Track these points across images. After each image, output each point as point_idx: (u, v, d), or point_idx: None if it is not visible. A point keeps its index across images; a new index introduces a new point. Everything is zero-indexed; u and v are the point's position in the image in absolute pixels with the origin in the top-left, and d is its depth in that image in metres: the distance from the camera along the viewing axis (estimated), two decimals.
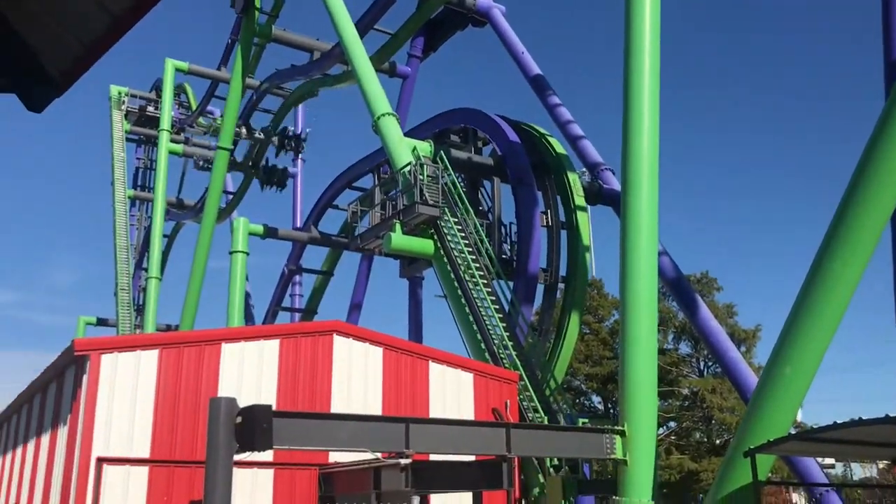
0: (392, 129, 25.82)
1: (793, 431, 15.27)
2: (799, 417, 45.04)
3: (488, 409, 19.04)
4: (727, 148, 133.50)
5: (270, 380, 16.36)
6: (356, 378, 17.42)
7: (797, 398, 13.84)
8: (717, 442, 47.47)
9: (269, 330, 18.80)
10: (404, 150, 25.19)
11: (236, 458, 11.35)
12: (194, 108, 59.43)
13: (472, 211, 24.97)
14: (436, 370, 18.64)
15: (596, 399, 52.35)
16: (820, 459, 27.86)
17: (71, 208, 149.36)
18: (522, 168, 28.52)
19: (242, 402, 11.65)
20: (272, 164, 50.62)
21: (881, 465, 49.55)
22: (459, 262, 22.72)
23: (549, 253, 29.27)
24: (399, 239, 23.55)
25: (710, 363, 50.00)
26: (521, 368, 20.75)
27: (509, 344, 21.38)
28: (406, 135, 28.18)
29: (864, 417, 11.97)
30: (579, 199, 29.51)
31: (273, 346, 16.62)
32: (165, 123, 51.45)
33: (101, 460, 14.17)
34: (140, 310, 51.55)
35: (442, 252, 23.24)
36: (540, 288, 28.31)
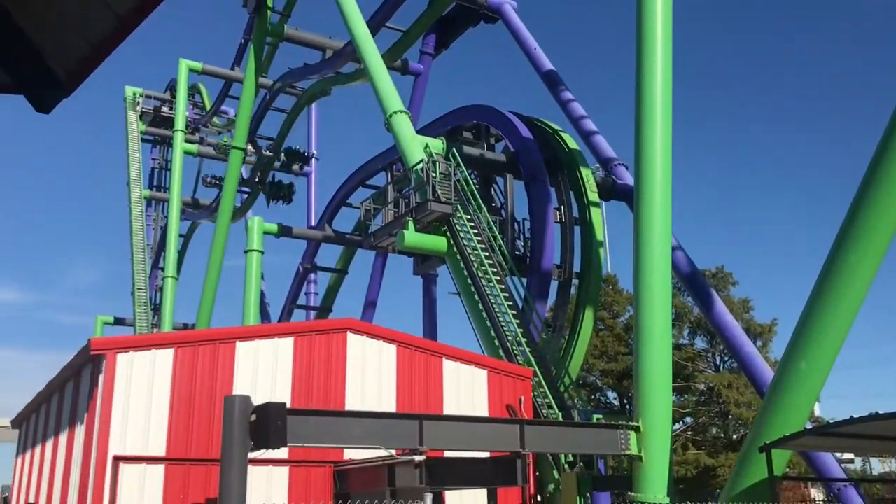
0: (404, 126, 25.84)
1: (809, 426, 15.16)
2: (817, 412, 44.75)
3: (502, 405, 19.03)
4: (743, 142, 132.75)
5: (285, 378, 16.42)
6: (370, 375, 17.46)
7: (812, 393, 13.76)
8: (734, 437, 47.17)
9: (283, 328, 18.88)
10: (416, 147, 25.20)
11: (251, 455, 11.40)
12: (208, 108, 59.73)
13: (484, 207, 24.94)
14: (449, 367, 18.66)
15: (612, 395, 52.16)
16: (838, 454, 27.69)
17: (90, 209, 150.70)
18: (535, 164, 28.46)
19: (257, 400, 11.70)
20: (278, 180, 51.26)
21: None
22: (472, 259, 22.71)
23: (563, 249, 29.22)
24: (412, 236, 23.57)
25: (726, 358, 49.72)
26: (534, 365, 20.73)
27: (523, 340, 21.36)
28: (419, 132, 28.18)
29: (880, 412, 11.89)
30: (593, 195, 29.41)
31: (287, 344, 16.68)
32: (180, 124, 51.75)
33: (117, 459, 14.27)
34: (157, 309, 51.89)
35: (455, 249, 23.23)
36: (554, 284, 28.27)
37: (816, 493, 42.78)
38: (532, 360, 20.89)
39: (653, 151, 17.03)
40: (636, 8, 17.85)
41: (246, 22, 44.31)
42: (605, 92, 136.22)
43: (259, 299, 36.70)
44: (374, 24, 35.40)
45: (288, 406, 11.95)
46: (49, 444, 19.92)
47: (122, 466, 14.29)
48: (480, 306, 22.22)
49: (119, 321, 59.02)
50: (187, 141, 53.32)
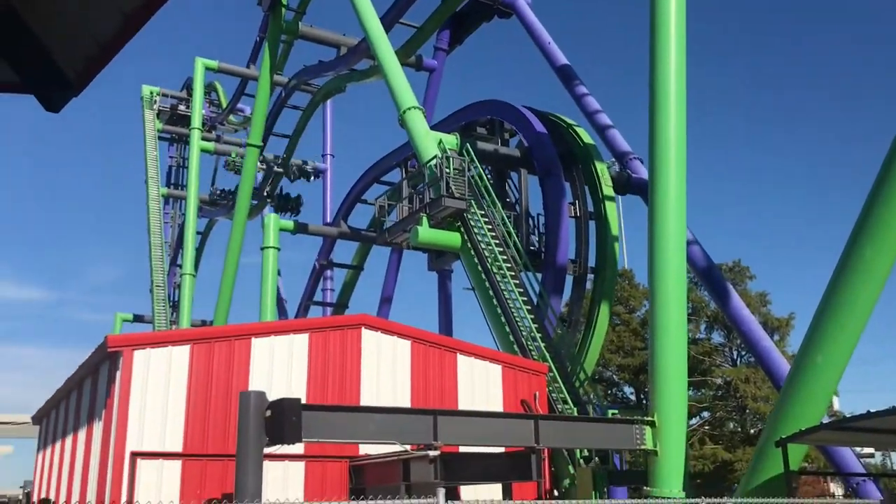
0: (418, 122, 25.86)
1: (827, 420, 15.08)
2: (836, 406, 44.40)
3: (517, 400, 19.04)
4: (761, 135, 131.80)
5: (300, 373, 16.51)
6: (385, 371, 17.52)
7: (829, 387, 13.67)
8: (752, 432, 46.88)
9: (298, 324, 18.97)
10: (430, 143, 25.21)
11: (267, 450, 11.48)
12: (225, 105, 59.98)
13: (498, 203, 24.92)
14: (464, 362, 18.68)
15: (628, 390, 52.00)
16: (858, 448, 27.47)
17: (109, 207, 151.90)
18: (549, 159, 28.40)
19: (272, 396, 11.78)
20: (286, 193, 51.74)
21: None
22: (486, 254, 22.71)
23: (578, 244, 29.14)
24: (426, 232, 23.59)
25: (743, 352, 49.42)
26: (549, 360, 20.71)
27: (538, 336, 21.34)
28: (433, 128, 28.18)
29: None
30: (608, 189, 29.30)
31: (302, 340, 16.77)
32: (196, 122, 52.05)
33: (135, 455, 14.41)
34: (175, 306, 52.27)
35: (469, 245, 23.24)
36: (569, 279, 28.23)
37: (836, 488, 42.49)
38: (547, 355, 20.87)
39: (667, 145, 16.97)
40: (650, 2, 17.78)
41: (261, 20, 44.48)
42: (619, 86, 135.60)
43: (276, 296, 36.88)
44: (388, 21, 35.43)
45: (303, 402, 12.02)
46: (68, 440, 20.13)
47: (140, 462, 14.43)
48: (495, 301, 22.22)
49: (138, 318, 59.48)
50: (204, 139, 53.64)
